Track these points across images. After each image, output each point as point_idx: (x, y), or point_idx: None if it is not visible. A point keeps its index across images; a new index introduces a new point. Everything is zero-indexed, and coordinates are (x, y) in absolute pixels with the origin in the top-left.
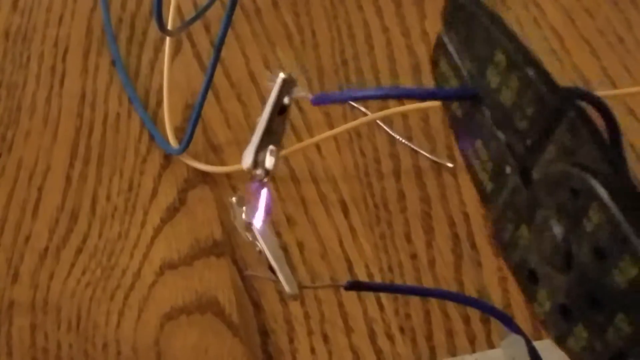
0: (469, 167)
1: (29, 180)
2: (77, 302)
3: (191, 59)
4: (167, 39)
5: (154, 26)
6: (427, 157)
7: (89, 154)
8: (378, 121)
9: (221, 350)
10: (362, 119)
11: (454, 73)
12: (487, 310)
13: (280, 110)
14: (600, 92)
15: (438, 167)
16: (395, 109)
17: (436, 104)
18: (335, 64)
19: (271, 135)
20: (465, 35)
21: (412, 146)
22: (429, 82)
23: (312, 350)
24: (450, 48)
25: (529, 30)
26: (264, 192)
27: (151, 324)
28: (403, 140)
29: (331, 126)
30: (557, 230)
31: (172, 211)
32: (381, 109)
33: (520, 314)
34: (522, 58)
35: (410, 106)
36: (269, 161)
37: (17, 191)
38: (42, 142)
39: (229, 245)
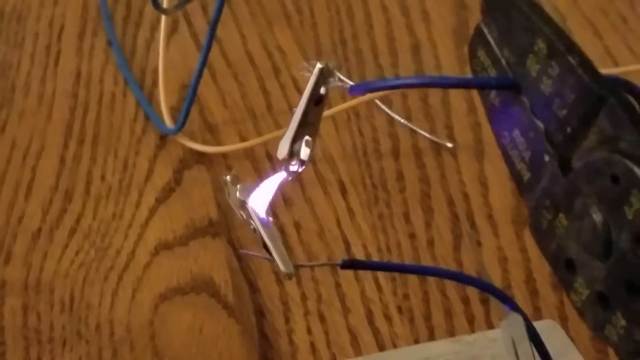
0: (506, 156)
1: (22, 160)
2: (71, 282)
3: (188, 39)
4: (163, 18)
5: (150, 6)
6: (427, 137)
7: (84, 134)
8: (377, 101)
9: (216, 331)
10: (361, 99)
11: (492, 62)
12: (486, 288)
13: (316, 100)
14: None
15: (437, 147)
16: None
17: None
18: (334, 44)
19: (307, 126)
20: (504, 24)
21: (411, 126)
22: (428, 62)
23: (309, 331)
24: (489, 37)
25: None
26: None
27: (145, 304)
28: (402, 120)
29: (329, 106)
30: (597, 217)
31: (168, 191)
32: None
33: (520, 294)
34: (563, 46)
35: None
36: (304, 152)
37: (10, 171)
38: (36, 122)
39: (224, 226)
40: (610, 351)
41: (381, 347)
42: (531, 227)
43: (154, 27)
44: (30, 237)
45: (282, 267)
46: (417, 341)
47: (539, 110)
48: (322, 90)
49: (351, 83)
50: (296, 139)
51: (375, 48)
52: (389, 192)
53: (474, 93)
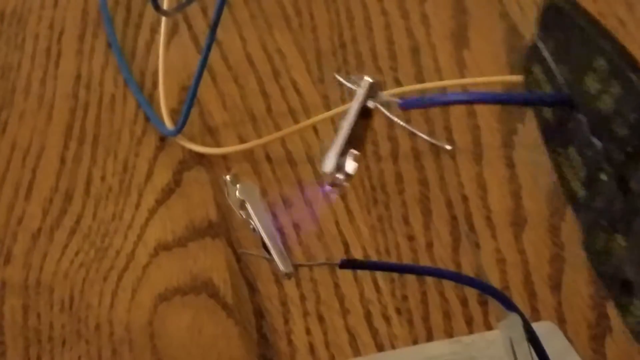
0: (559, 173)
1: (22, 161)
2: (70, 282)
3: (188, 41)
4: (163, 20)
5: (150, 8)
6: (425, 140)
7: (84, 135)
8: (376, 103)
9: (215, 331)
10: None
11: (548, 78)
12: (484, 289)
13: (363, 114)
14: None
15: (436, 149)
16: (392, 90)
17: (434, 87)
18: (334, 47)
19: (353, 139)
20: (562, 40)
21: (410, 128)
22: (427, 65)
23: (308, 331)
24: (545, 53)
25: (528, 12)
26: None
27: (145, 304)
28: (401, 123)
29: (328, 108)
30: None
31: (167, 192)
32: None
33: (518, 295)
34: (626, 64)
35: (408, 87)
36: (350, 166)
37: (10, 172)
38: (36, 123)
39: (224, 227)
40: (608, 354)
41: (380, 348)
42: (585, 246)
43: (154, 29)
44: (30, 238)
45: (281, 267)
46: (415, 342)
47: (597, 128)
48: (371, 104)
49: (399, 100)
50: (342, 152)
51: (374, 51)
52: (388, 194)
53: None
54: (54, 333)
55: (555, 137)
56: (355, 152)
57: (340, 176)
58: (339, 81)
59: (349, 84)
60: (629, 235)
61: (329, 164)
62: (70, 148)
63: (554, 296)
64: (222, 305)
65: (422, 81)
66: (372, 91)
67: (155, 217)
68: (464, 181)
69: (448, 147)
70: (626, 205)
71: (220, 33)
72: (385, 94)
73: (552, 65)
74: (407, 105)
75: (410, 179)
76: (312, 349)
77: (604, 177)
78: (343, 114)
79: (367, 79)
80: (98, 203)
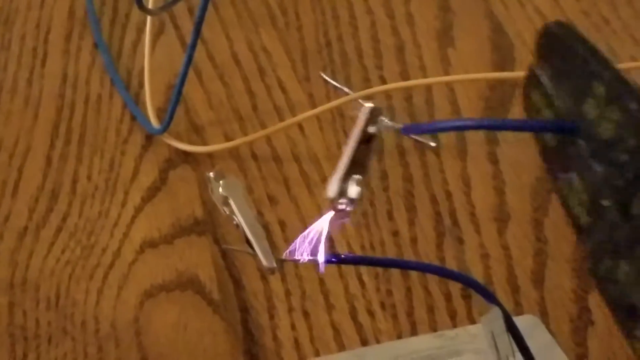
0: (562, 198)
1: (9, 160)
2: (56, 280)
3: (174, 40)
4: (149, 20)
5: (136, 8)
6: (410, 137)
7: (70, 135)
8: (360, 100)
9: (201, 327)
10: (345, 98)
11: (547, 104)
12: (466, 282)
13: (366, 139)
14: None
15: (421, 146)
16: (377, 88)
17: (419, 84)
18: (319, 46)
19: (356, 165)
20: (560, 67)
21: (395, 125)
22: (412, 63)
23: (293, 327)
24: (544, 79)
25: (513, 11)
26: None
27: (131, 301)
28: (386, 120)
29: (314, 105)
30: None
31: (153, 190)
32: (363, 89)
33: (502, 290)
34: (623, 90)
35: (392, 85)
36: (354, 191)
37: None
38: (22, 122)
39: (210, 224)
40: (590, 346)
41: (364, 343)
42: (590, 271)
43: (141, 29)
44: (16, 236)
45: (264, 262)
46: (399, 336)
47: (598, 154)
48: (372, 130)
49: (400, 125)
50: (345, 177)
51: (360, 50)
52: (373, 191)
53: (458, 93)
54: (40, 330)
55: (556, 162)
56: (358, 176)
57: (344, 201)
58: (324, 79)
59: (334, 82)
60: (632, 261)
61: (332, 190)
62: (56, 147)
63: (537, 290)
64: (208, 301)
65: (407, 79)
66: (373, 117)
67: (141, 215)
68: (448, 177)
69: (432, 144)
70: (629, 231)
71: (206, 32)
72: (386, 120)
73: (551, 91)
74: (408, 131)
75: (395, 175)
76: (297, 344)
77: (606, 202)
78: (346, 141)
79: (368, 104)
80: (84, 201)
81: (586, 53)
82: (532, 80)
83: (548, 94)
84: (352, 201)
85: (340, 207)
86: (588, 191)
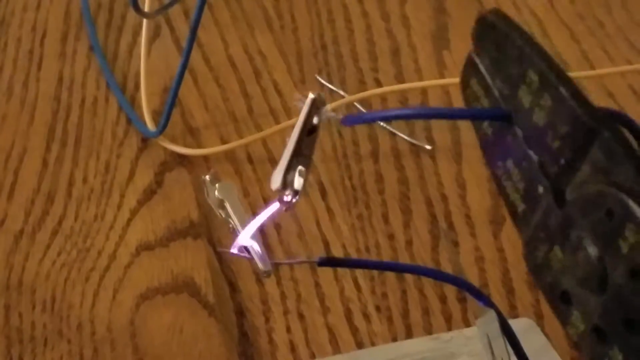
0: (500, 187)
1: (5, 163)
2: (52, 283)
3: (170, 43)
4: (145, 23)
5: (132, 11)
6: (405, 140)
7: (66, 137)
8: (356, 103)
9: (197, 330)
10: (340, 101)
11: (485, 93)
12: (461, 285)
13: (309, 130)
14: (578, 74)
15: (416, 149)
16: (373, 90)
17: (414, 87)
18: (315, 48)
19: (300, 156)
20: (496, 55)
21: (390, 129)
22: (408, 66)
23: (288, 329)
24: (481, 67)
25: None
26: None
27: (126, 304)
28: (381, 123)
29: None
30: (592, 251)
31: (149, 193)
32: (359, 91)
33: (497, 293)
34: (555, 77)
35: (388, 88)
36: (298, 182)
37: None
38: (18, 125)
39: (205, 227)
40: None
41: (359, 345)
42: (526, 259)
43: (136, 32)
44: (12, 239)
45: (260, 265)
46: (395, 339)
47: (532, 141)
48: (315, 121)
49: (340, 115)
50: (289, 169)
51: (355, 52)
52: (368, 194)
53: (454, 97)
54: (35, 333)
55: (494, 151)
56: (302, 168)
57: (288, 192)
58: (320, 82)
59: (329, 85)
60: (565, 247)
61: (275, 181)
62: (52, 150)
63: (532, 293)
64: (204, 304)
65: (402, 81)
66: (316, 107)
67: (136, 218)
68: (443, 180)
69: (428, 147)
70: (562, 218)
71: (201, 35)
72: (327, 110)
73: (489, 79)
74: (348, 121)
75: (390, 178)
76: (292, 346)
77: (541, 190)
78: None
79: (311, 95)
80: (80, 204)
81: (521, 41)
82: (470, 67)
83: (486, 81)
84: (296, 192)
85: (286, 198)
86: (524, 179)
